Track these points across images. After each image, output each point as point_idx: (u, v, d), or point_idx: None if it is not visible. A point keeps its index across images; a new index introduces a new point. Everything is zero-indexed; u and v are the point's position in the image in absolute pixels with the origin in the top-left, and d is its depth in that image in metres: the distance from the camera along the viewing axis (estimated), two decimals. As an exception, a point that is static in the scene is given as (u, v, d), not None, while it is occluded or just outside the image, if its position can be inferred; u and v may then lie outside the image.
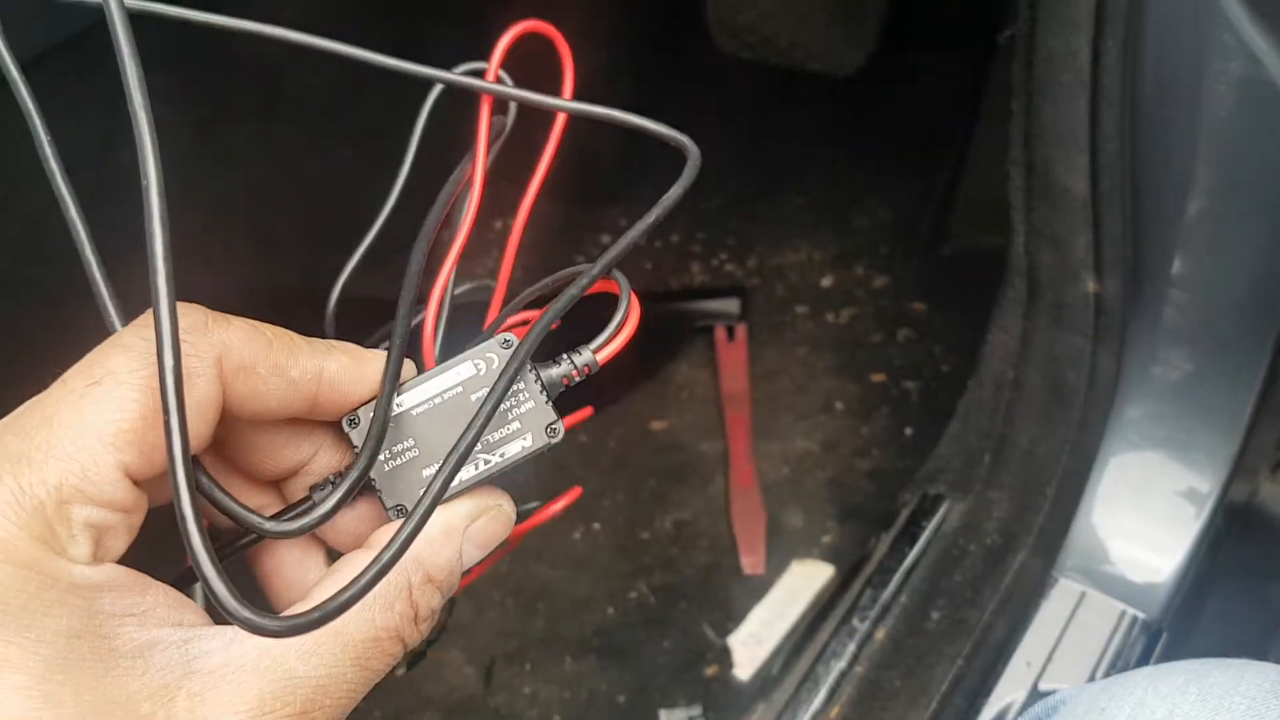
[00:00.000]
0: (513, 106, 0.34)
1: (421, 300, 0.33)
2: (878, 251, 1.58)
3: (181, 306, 0.27)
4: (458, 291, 0.34)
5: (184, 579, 0.31)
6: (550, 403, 0.33)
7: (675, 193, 0.31)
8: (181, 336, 0.26)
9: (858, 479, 1.33)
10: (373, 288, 0.42)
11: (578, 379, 0.33)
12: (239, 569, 0.31)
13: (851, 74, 1.53)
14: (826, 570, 1.24)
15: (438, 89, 0.35)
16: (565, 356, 0.33)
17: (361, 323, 0.37)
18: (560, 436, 0.32)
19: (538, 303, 0.34)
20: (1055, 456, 0.87)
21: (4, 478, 0.25)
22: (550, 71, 0.33)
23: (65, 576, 0.25)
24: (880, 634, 0.84)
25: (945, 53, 1.53)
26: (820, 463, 1.35)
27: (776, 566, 1.25)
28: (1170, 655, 0.84)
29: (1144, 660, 0.84)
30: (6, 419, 0.27)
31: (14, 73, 0.30)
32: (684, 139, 0.31)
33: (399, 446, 0.32)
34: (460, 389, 0.32)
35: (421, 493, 0.30)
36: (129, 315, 0.29)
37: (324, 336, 0.33)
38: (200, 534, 0.25)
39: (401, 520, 0.30)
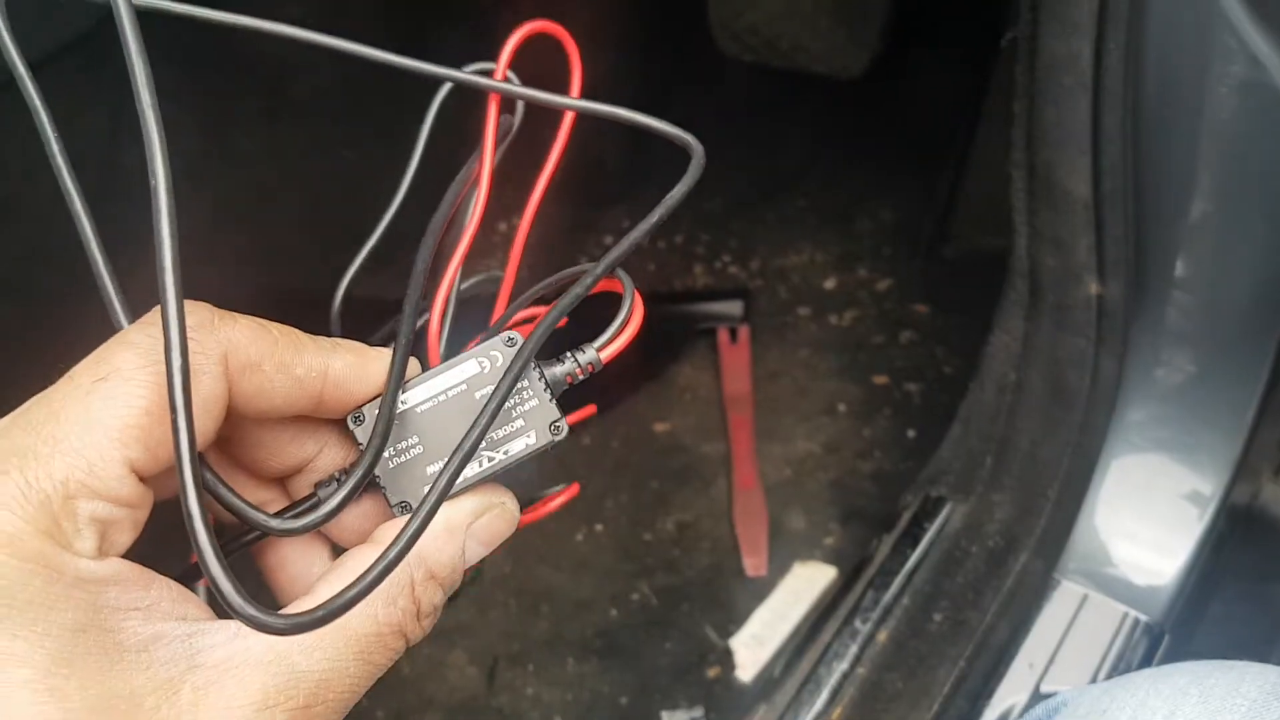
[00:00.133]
0: (520, 106, 0.34)
1: (426, 298, 0.33)
2: (880, 253, 1.58)
3: (188, 304, 0.27)
4: (465, 285, 0.34)
5: (188, 574, 0.31)
6: (554, 401, 0.33)
7: (679, 191, 0.31)
8: (188, 334, 0.26)
9: (860, 481, 1.33)
10: (378, 287, 0.42)
11: (582, 377, 0.33)
12: (244, 563, 0.31)
13: (855, 76, 1.53)
14: (829, 572, 1.24)
15: (446, 87, 0.35)
16: (569, 355, 0.33)
17: (366, 322, 0.37)
18: (564, 434, 0.33)
19: (542, 301, 0.34)
20: (1057, 458, 0.87)
21: (10, 472, 0.25)
22: (555, 73, 0.33)
23: (71, 570, 0.25)
24: (882, 636, 0.84)
25: (948, 55, 1.53)
26: (822, 464, 1.35)
27: (779, 568, 1.25)
28: (1172, 658, 0.84)
29: (1146, 662, 0.84)
30: (13, 414, 0.27)
31: (21, 70, 0.30)
32: (688, 138, 0.31)
33: (403, 444, 0.32)
34: (464, 387, 0.32)
35: (426, 490, 0.30)
36: (135, 314, 0.29)
37: (329, 335, 0.33)
38: (207, 533, 0.25)
39: (406, 517, 0.30)
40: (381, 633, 0.29)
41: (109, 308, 0.30)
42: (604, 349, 0.33)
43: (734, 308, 1.50)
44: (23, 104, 0.30)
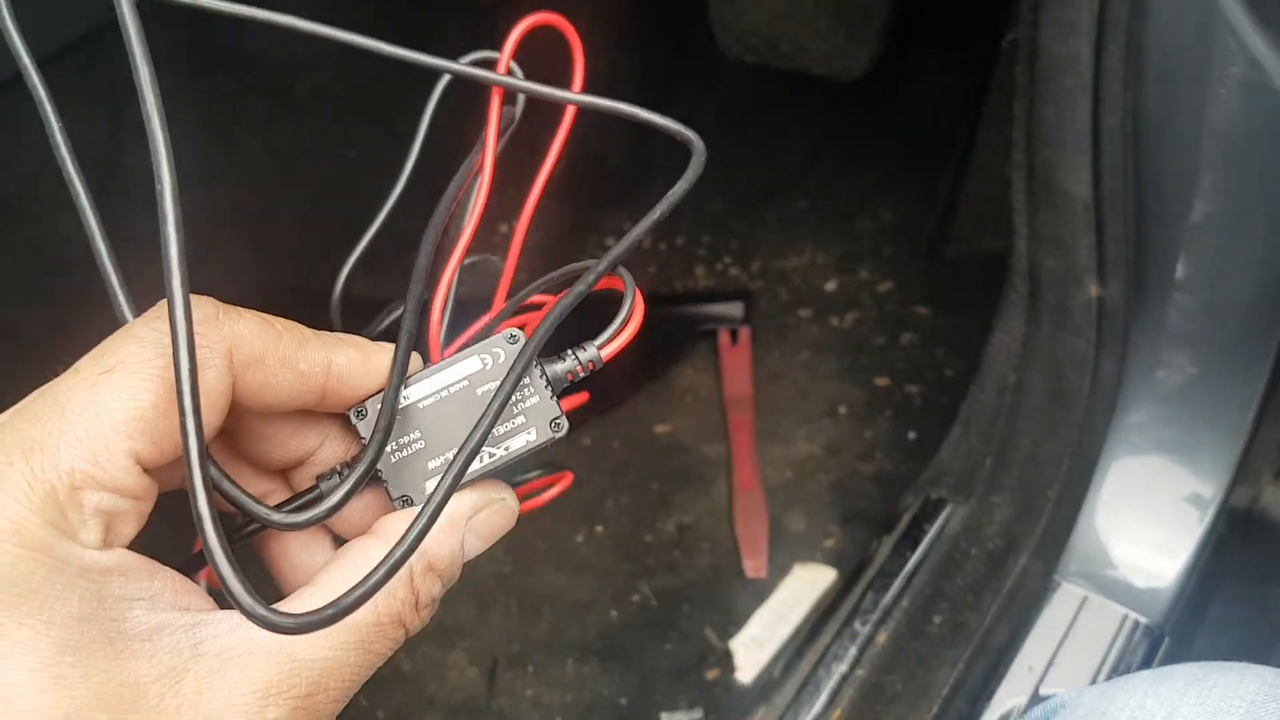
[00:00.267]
0: (521, 99, 0.34)
1: (428, 294, 0.33)
2: (881, 255, 1.58)
3: (193, 299, 0.27)
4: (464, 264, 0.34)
5: (190, 565, 0.31)
6: (555, 398, 0.33)
7: (680, 188, 0.31)
8: (193, 328, 0.26)
9: (861, 483, 1.33)
10: (379, 287, 0.42)
11: (582, 375, 0.33)
12: (245, 552, 0.32)
13: (856, 77, 1.53)
14: (829, 574, 1.24)
15: (445, 79, 0.35)
16: (570, 352, 0.33)
17: (367, 320, 0.37)
18: (565, 431, 0.33)
19: (550, 290, 0.34)
20: (1057, 460, 0.87)
21: (16, 462, 0.25)
22: (557, 69, 0.33)
23: (76, 560, 0.26)
24: (882, 637, 0.84)
25: (949, 56, 1.53)
26: (823, 466, 1.35)
27: (779, 570, 1.25)
28: (1172, 660, 0.84)
29: (1146, 665, 0.84)
30: (17, 406, 0.27)
31: (25, 59, 0.30)
32: (689, 134, 0.31)
33: (405, 438, 0.32)
34: (467, 383, 0.32)
35: (428, 484, 0.30)
36: (139, 309, 0.29)
37: (331, 330, 0.33)
38: (217, 533, 0.25)
39: (410, 511, 0.31)
40: (382, 623, 0.29)
41: (113, 301, 0.30)
42: (605, 347, 0.33)
43: (735, 309, 1.50)
44: (23, 104, 0.30)
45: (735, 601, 1.23)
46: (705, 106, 1.68)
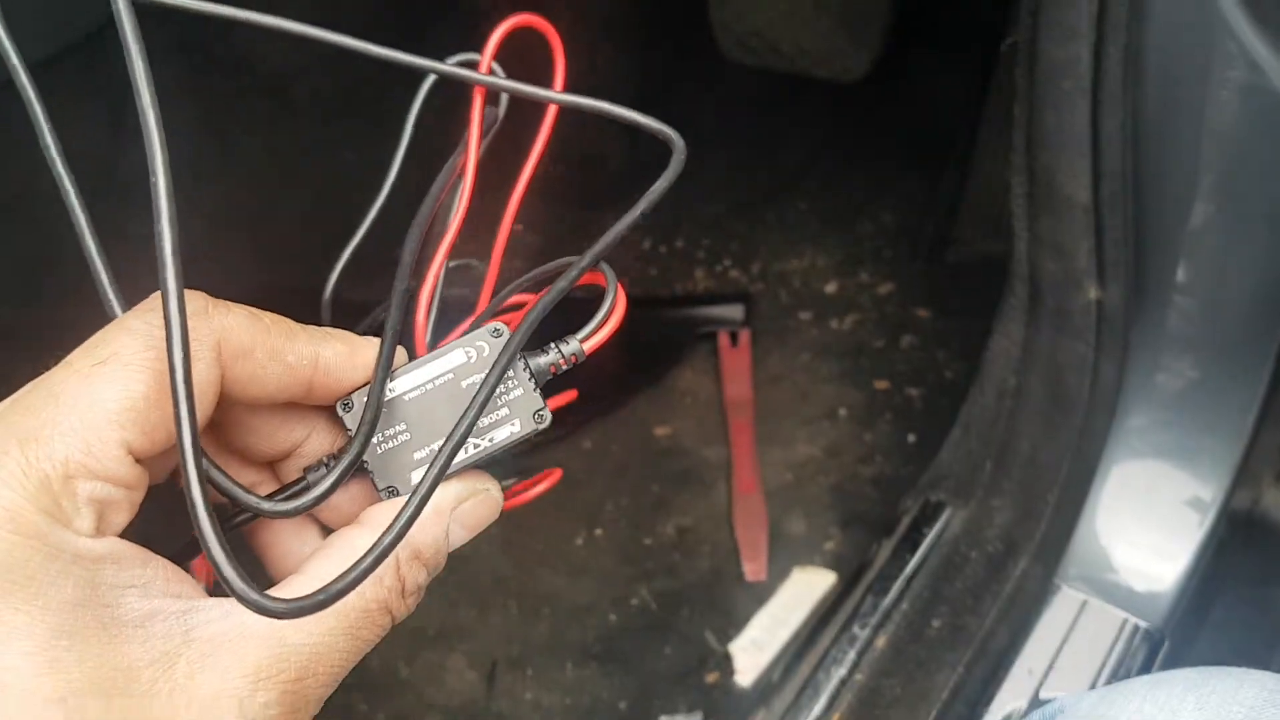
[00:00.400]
0: (504, 98, 0.34)
1: (412, 290, 0.34)
2: (882, 257, 1.58)
3: (185, 293, 0.28)
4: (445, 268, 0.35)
5: (181, 554, 0.32)
6: (538, 390, 0.33)
7: (660, 186, 0.31)
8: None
9: (861, 485, 1.33)
10: (370, 290, 0.42)
11: (565, 368, 0.34)
12: (235, 540, 0.32)
13: (856, 79, 1.53)
14: (828, 577, 1.24)
15: (430, 79, 0.35)
16: (553, 345, 0.34)
17: (356, 321, 0.37)
18: (548, 422, 0.33)
19: (532, 288, 0.35)
20: (1057, 464, 0.87)
21: (11, 452, 0.26)
22: (544, 71, 0.33)
23: (70, 548, 0.26)
24: (881, 641, 0.84)
25: (949, 58, 1.53)
26: (823, 469, 1.35)
27: (778, 573, 1.25)
28: (1172, 664, 0.84)
29: (1146, 669, 0.83)
30: (13, 398, 0.28)
31: (15, 60, 0.30)
32: (670, 132, 0.32)
33: (391, 430, 0.33)
34: (451, 375, 0.33)
35: (414, 475, 0.32)
36: (129, 304, 0.30)
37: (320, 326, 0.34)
38: (211, 521, 0.26)
39: (397, 501, 0.32)
40: (369, 609, 0.30)
41: (103, 297, 0.30)
42: (587, 340, 0.33)
43: (735, 311, 1.50)
44: (22, 104, 0.31)
45: (735, 604, 1.23)
46: (705, 107, 1.68)
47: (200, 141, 1.26)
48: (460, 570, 1.27)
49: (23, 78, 0.30)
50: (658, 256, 1.60)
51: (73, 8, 1.00)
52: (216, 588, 0.28)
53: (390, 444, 0.33)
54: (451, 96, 0.36)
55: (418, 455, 0.33)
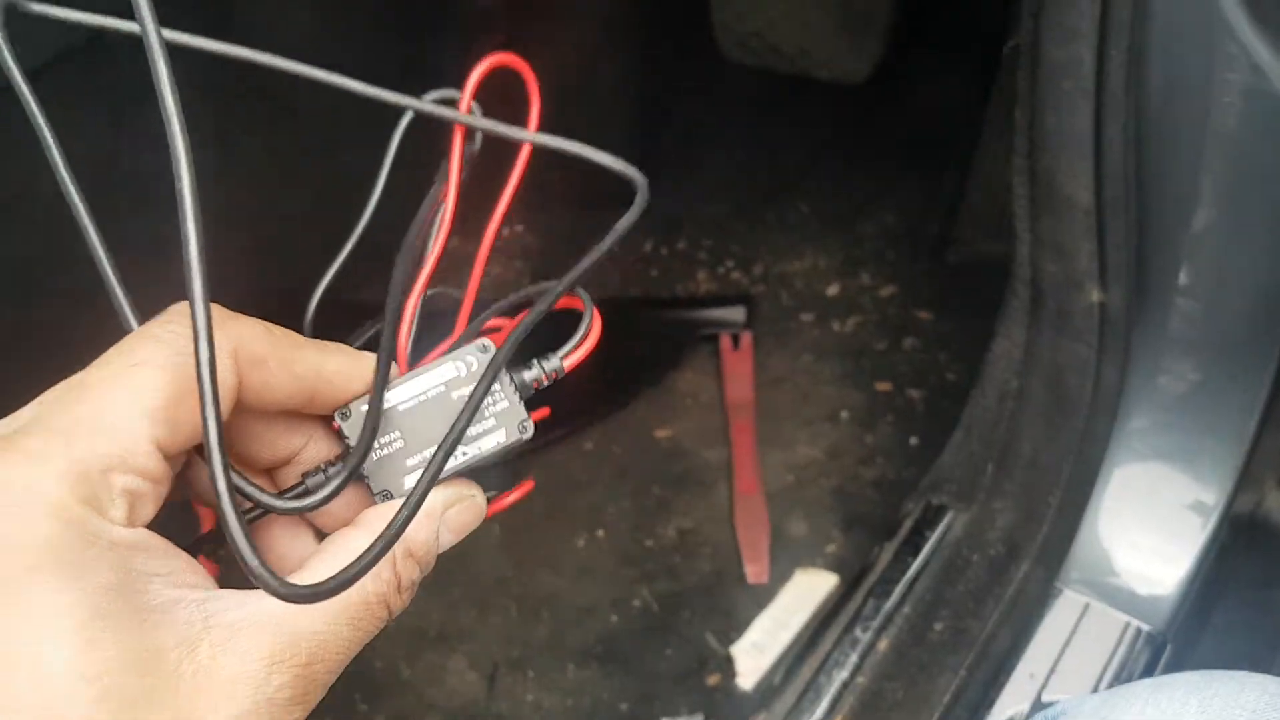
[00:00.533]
0: (479, 135, 0.37)
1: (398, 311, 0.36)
2: (884, 259, 1.57)
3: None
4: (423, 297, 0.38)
5: (194, 548, 0.34)
6: (522, 402, 0.36)
7: (624, 224, 0.35)
8: None
9: (862, 488, 1.33)
10: (357, 291, 0.44)
11: (547, 383, 0.37)
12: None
13: (858, 81, 1.53)
14: (830, 579, 1.24)
15: (409, 115, 0.37)
16: (536, 362, 0.37)
17: (343, 324, 0.39)
18: (530, 433, 0.36)
19: (509, 312, 0.38)
20: (1059, 466, 0.87)
21: (57, 447, 0.28)
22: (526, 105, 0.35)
23: (106, 536, 0.28)
24: (883, 644, 0.84)
25: (951, 59, 1.53)
26: (825, 471, 1.35)
27: (780, 575, 1.25)
28: (1175, 667, 0.84)
29: (1148, 672, 0.83)
30: (51, 396, 0.30)
31: (17, 75, 0.31)
32: (633, 172, 0.35)
33: (386, 438, 0.35)
34: (443, 388, 0.35)
35: (408, 480, 0.34)
36: (143, 314, 0.32)
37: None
38: (236, 514, 0.28)
39: (395, 502, 0.34)
40: (369, 602, 0.32)
41: (119, 312, 0.33)
42: (567, 357, 0.36)
43: (736, 313, 1.49)
44: (22, 105, 0.31)
45: (736, 607, 1.23)
46: (706, 108, 1.68)
47: (200, 142, 1.26)
48: (461, 572, 1.27)
49: (27, 95, 0.31)
50: (659, 258, 1.60)
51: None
52: (224, 581, 0.31)
53: (385, 451, 0.35)
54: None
55: (411, 461, 0.35)
